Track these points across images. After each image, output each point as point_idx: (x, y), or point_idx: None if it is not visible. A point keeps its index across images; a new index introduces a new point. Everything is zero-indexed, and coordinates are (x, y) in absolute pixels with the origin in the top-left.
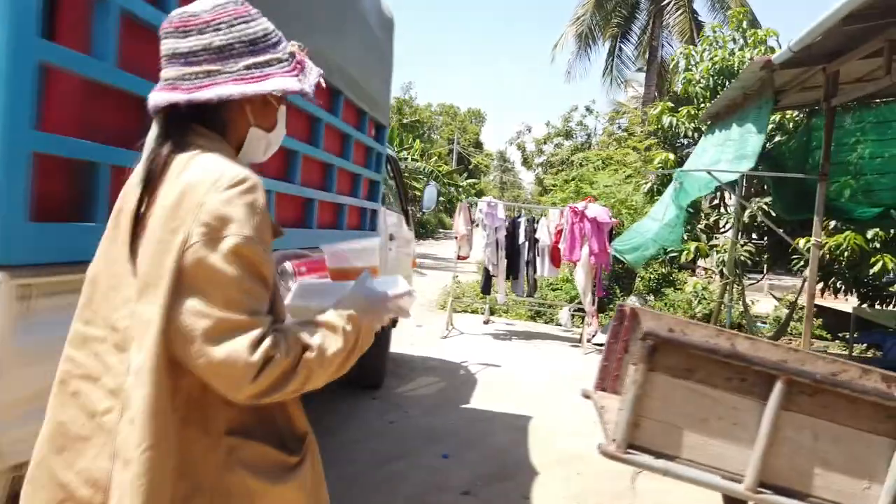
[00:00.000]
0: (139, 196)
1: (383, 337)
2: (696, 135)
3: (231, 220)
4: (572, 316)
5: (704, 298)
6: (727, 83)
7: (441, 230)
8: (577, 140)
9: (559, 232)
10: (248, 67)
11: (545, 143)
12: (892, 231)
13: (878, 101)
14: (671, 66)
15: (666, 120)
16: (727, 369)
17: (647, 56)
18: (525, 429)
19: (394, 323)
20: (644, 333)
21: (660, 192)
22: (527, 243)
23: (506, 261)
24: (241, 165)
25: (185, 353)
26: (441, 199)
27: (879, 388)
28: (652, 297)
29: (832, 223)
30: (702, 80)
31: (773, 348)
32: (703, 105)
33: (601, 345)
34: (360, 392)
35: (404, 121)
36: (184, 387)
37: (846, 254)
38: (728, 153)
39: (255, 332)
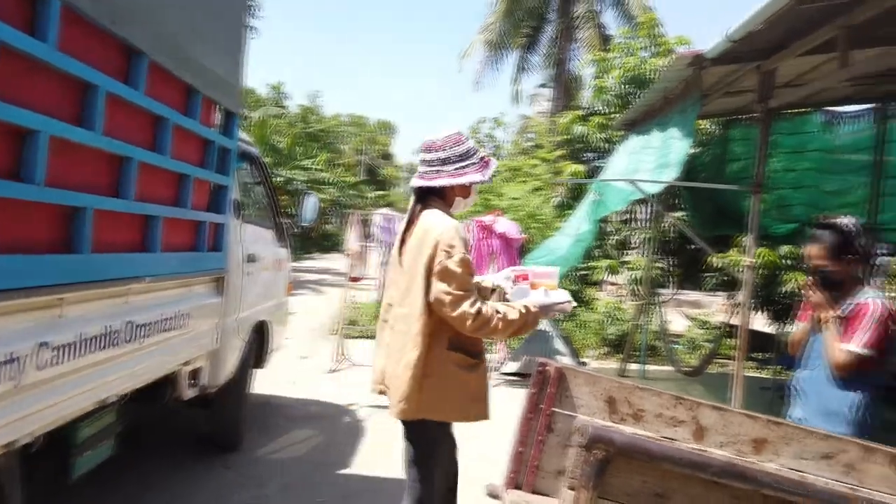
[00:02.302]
0: (403, 231)
1: (239, 386)
2: (606, 146)
3: (456, 246)
4: None
5: (618, 319)
6: (638, 92)
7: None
8: (485, 152)
9: None
10: (456, 169)
11: None
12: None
13: (791, 112)
14: (579, 76)
15: (577, 129)
16: (721, 492)
17: (555, 69)
18: None
19: (259, 361)
20: (590, 439)
21: (569, 206)
22: None
23: None
24: (451, 217)
25: (440, 311)
26: (348, 210)
27: None
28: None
29: (744, 239)
30: (613, 88)
31: (749, 420)
32: (613, 114)
33: (512, 375)
34: (213, 457)
35: (309, 130)
36: (432, 323)
37: (760, 271)
38: (648, 162)
39: (472, 299)
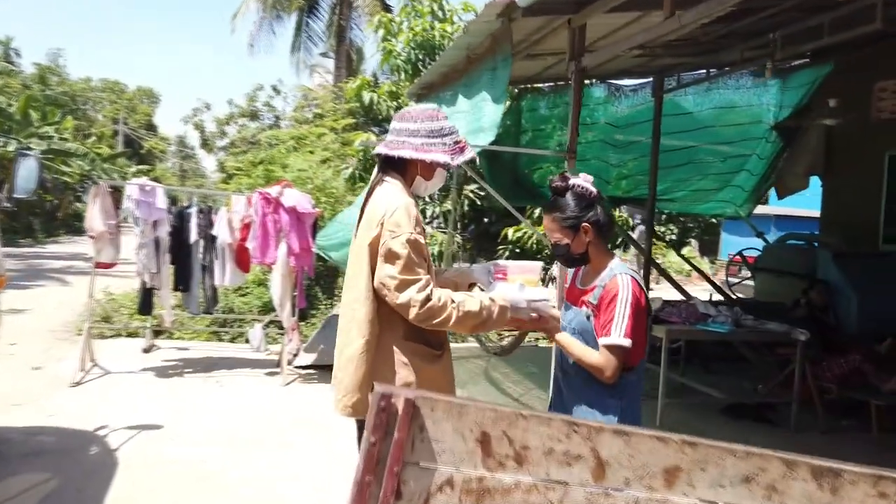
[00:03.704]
0: (363, 203)
1: None
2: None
3: (402, 225)
4: (266, 333)
5: None
6: (429, 59)
7: None
8: (264, 122)
9: (247, 226)
10: (423, 144)
11: (228, 123)
12: None
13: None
14: (361, 49)
15: (366, 96)
16: None
17: (336, 39)
18: None
19: None
20: None
21: (363, 178)
22: (201, 242)
23: (171, 267)
24: (404, 195)
25: (384, 297)
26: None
27: None
28: None
29: (537, 211)
30: (402, 54)
31: (660, 445)
32: (403, 81)
33: (306, 367)
34: None
35: (49, 93)
36: (381, 308)
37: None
38: (459, 127)
39: (420, 284)
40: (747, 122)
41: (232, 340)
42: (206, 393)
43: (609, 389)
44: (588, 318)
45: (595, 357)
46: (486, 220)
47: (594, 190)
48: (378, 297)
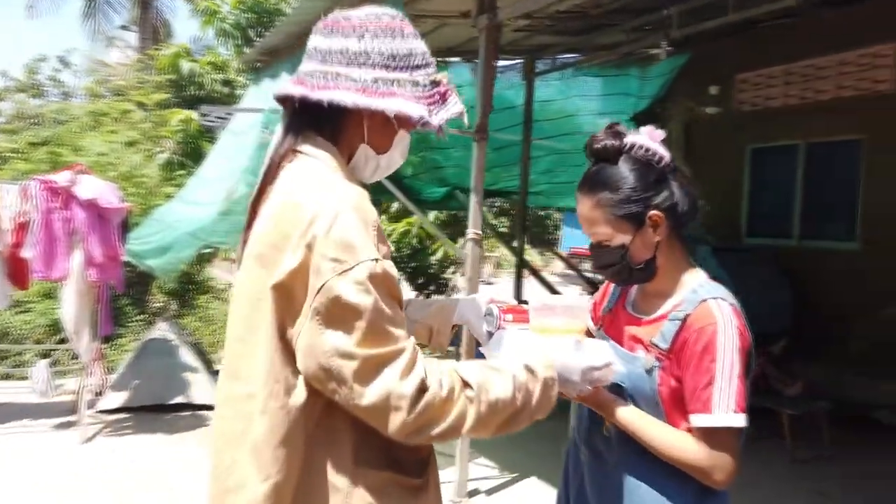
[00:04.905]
0: (253, 201)
1: None
2: (225, 89)
3: (357, 247)
4: (56, 365)
5: None
6: (264, 26)
7: None
8: (50, 99)
9: (22, 226)
10: (375, 80)
11: (2, 99)
12: (455, 213)
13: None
14: (167, 23)
15: (185, 66)
16: None
17: (140, 5)
18: None
19: None
20: None
21: (183, 165)
22: None
23: None
24: (342, 181)
25: (332, 394)
26: None
27: None
28: (177, 307)
29: (394, 205)
30: (229, 17)
31: None
32: (231, 51)
33: (115, 411)
34: None
35: None
36: (312, 412)
37: (413, 240)
38: None
39: (405, 361)
40: (609, 111)
41: (6, 378)
42: None
43: (684, 491)
44: (650, 371)
45: (692, 451)
46: None
47: (666, 155)
48: (305, 390)
